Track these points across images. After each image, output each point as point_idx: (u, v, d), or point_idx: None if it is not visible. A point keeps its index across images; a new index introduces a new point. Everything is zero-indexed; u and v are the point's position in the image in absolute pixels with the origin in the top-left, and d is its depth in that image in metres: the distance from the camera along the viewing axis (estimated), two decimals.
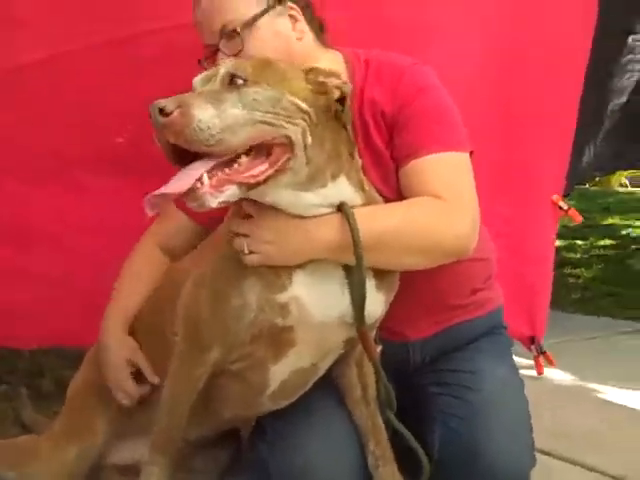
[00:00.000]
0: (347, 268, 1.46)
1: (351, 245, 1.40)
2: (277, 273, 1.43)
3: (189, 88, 1.38)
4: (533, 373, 3.02)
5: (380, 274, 1.52)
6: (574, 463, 2.11)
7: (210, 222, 1.68)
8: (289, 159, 1.32)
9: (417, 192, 1.57)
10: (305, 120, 1.34)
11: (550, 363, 3.03)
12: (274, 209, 1.41)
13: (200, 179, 1.24)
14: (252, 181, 1.28)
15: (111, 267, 1.86)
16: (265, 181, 1.30)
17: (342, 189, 1.43)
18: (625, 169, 8.07)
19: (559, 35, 2.73)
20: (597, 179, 10.51)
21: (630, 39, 3.27)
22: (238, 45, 1.61)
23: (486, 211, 2.72)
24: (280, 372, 1.54)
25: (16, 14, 2.01)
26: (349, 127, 1.46)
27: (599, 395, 2.81)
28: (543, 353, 3.03)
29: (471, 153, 1.68)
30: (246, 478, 1.79)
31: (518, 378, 1.85)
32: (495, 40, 2.59)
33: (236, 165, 1.27)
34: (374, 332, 1.63)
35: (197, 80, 1.39)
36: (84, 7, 2.02)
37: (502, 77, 2.67)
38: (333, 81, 1.41)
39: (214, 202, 1.24)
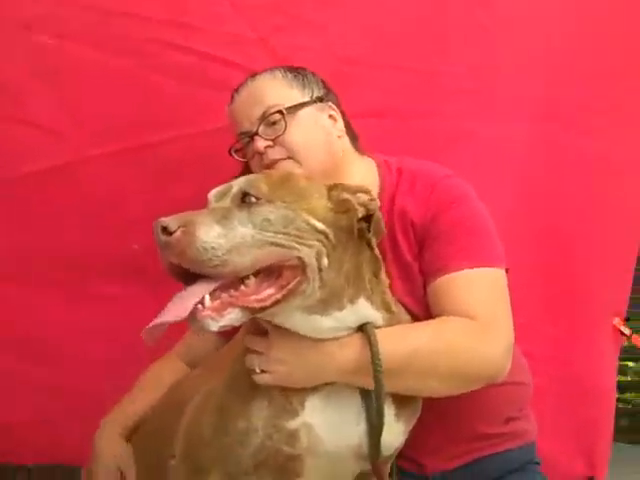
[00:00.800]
0: (365, 393, 1.34)
1: (371, 369, 1.28)
2: (289, 397, 1.32)
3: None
4: None
5: (401, 401, 1.39)
6: None
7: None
8: (300, 282, 1.23)
9: (448, 311, 1.45)
10: (321, 241, 1.26)
11: None
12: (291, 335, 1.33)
13: (202, 301, 1.17)
14: (257, 306, 1.20)
15: (120, 379, 1.77)
16: (272, 305, 1.22)
17: (361, 312, 1.33)
18: None
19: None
20: None
21: None
22: (279, 130, 1.57)
23: (535, 334, 2.66)
24: None
25: (39, 119, 2.01)
26: (375, 245, 1.38)
27: None
28: None
29: (507, 270, 1.56)
30: None
31: None
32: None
33: (242, 287, 1.20)
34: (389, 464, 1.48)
35: (212, 194, 1.34)
36: (104, 113, 2.02)
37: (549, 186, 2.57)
38: (360, 198, 1.33)
39: (215, 326, 1.17)
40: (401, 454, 1.55)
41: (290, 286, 1.22)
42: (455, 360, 1.38)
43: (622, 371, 6.14)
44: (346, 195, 1.32)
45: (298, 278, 1.23)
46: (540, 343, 2.63)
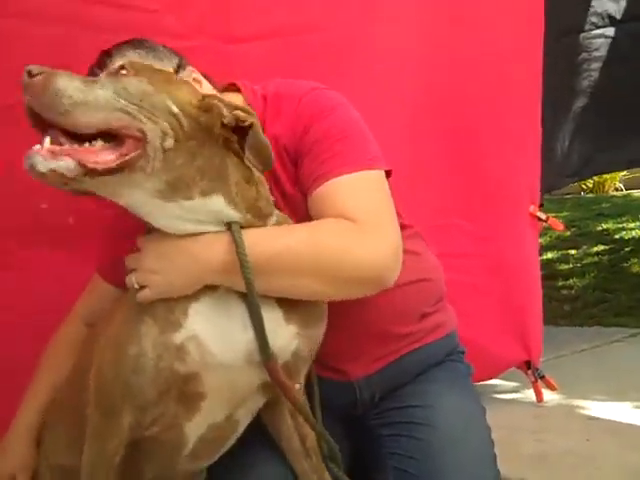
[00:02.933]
0: (246, 298, 1.33)
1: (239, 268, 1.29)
2: (171, 309, 1.31)
3: None
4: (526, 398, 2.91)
5: (288, 304, 1.37)
6: None
7: None
8: (140, 156, 1.23)
9: (327, 217, 1.43)
10: (171, 124, 1.25)
11: (551, 388, 2.84)
12: (160, 237, 1.34)
13: (42, 142, 1.19)
14: (92, 166, 1.20)
15: (37, 343, 1.73)
16: (109, 172, 1.21)
17: (215, 208, 1.32)
18: (597, 174, 7.94)
19: (506, 39, 2.65)
20: (590, 185, 10.59)
21: (581, 37, 3.17)
22: None
23: (455, 232, 2.70)
24: (195, 428, 1.40)
25: None
26: (248, 158, 1.34)
27: (584, 412, 2.65)
28: (542, 377, 2.84)
29: (388, 172, 1.55)
30: None
31: (476, 406, 1.69)
32: (438, 53, 2.50)
33: (86, 144, 1.21)
34: (302, 372, 1.47)
35: None
36: None
37: (450, 90, 2.59)
38: (236, 112, 1.31)
39: (43, 166, 1.17)
40: (323, 364, 1.58)
41: (128, 157, 1.22)
42: (332, 260, 1.36)
43: (565, 260, 6.37)
44: (217, 102, 1.32)
45: (138, 151, 1.22)
46: (462, 241, 2.69)
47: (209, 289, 1.33)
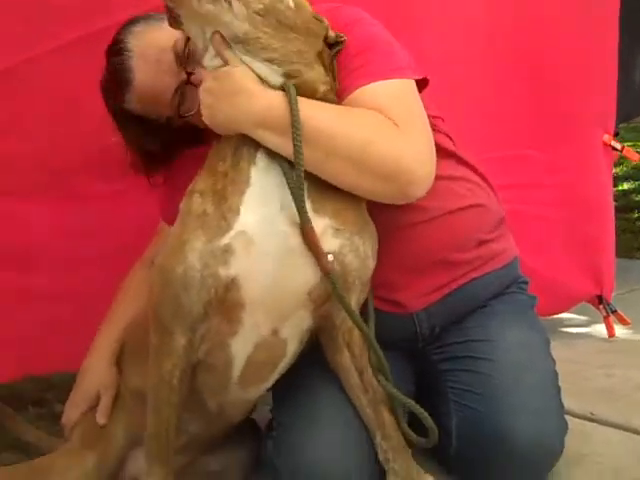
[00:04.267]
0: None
1: (287, 125, 1.32)
2: (222, 212, 1.35)
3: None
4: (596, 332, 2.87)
5: (317, 195, 1.38)
6: (617, 427, 1.89)
7: None
8: None
9: None
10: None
11: (623, 322, 2.79)
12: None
13: None
14: None
15: (117, 274, 1.82)
16: None
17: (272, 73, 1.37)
18: None
19: None
20: None
21: None
22: None
23: (526, 162, 2.64)
24: (242, 345, 1.43)
25: None
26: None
27: None
28: (614, 312, 2.79)
29: (424, 82, 1.54)
30: (260, 477, 1.71)
31: (539, 338, 1.68)
32: None
33: None
34: (352, 290, 1.45)
35: None
36: (48, 4, 1.92)
37: (523, 18, 2.55)
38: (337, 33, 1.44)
39: None
40: (382, 297, 1.58)
41: None
42: (357, 139, 1.36)
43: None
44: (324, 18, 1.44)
45: None
46: (533, 171, 2.65)
47: (253, 168, 1.37)
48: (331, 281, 1.37)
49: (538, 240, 2.53)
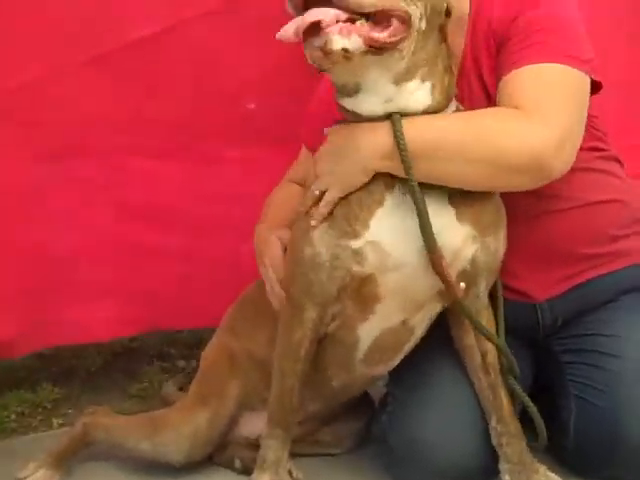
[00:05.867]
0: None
1: (397, 152, 1.31)
2: (350, 221, 1.36)
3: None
4: None
5: (461, 203, 1.37)
6: None
7: None
8: (404, 39, 1.28)
9: (503, 105, 1.39)
10: (424, 7, 1.30)
11: None
12: (338, 129, 1.41)
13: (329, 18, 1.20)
14: (374, 37, 1.23)
15: (245, 239, 1.82)
16: (382, 47, 1.25)
17: (422, 93, 1.35)
18: None
19: None
20: None
21: None
22: None
23: None
24: (369, 330, 1.47)
25: None
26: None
27: None
28: None
29: (599, 85, 1.47)
30: (373, 451, 1.74)
31: None
32: None
33: (358, 24, 1.22)
34: (480, 284, 1.47)
35: None
36: None
37: None
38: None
39: (339, 43, 1.19)
40: (505, 285, 1.56)
41: (399, 36, 1.26)
42: (485, 143, 1.33)
43: None
44: None
45: (403, 34, 1.27)
46: None
47: (389, 192, 1.36)
48: (462, 307, 1.41)
49: None
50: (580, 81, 1.42)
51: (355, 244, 1.36)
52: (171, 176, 2.15)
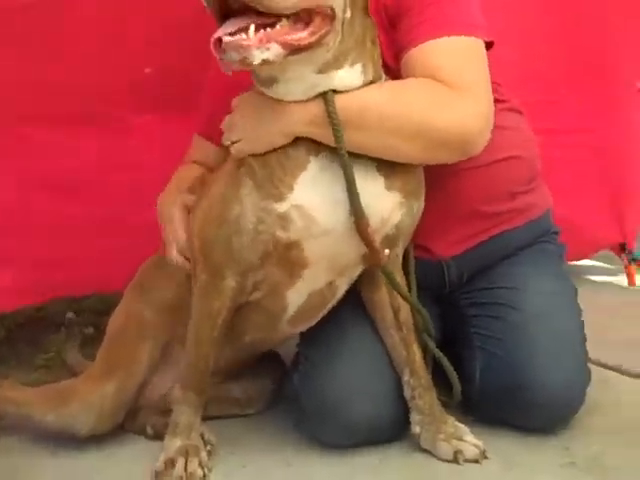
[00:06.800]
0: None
1: (327, 120, 1.30)
2: (275, 182, 1.35)
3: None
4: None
5: (389, 171, 1.38)
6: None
7: None
8: (328, 32, 1.26)
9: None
10: None
11: None
12: (254, 95, 1.39)
13: (246, 30, 1.18)
14: (295, 43, 1.21)
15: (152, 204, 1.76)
16: (306, 47, 1.23)
17: (353, 77, 1.34)
18: None
19: None
20: None
21: None
22: None
23: (561, 107, 2.60)
24: (297, 295, 1.48)
25: None
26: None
27: None
28: (635, 261, 2.82)
29: (490, 44, 1.48)
30: (285, 411, 1.75)
31: (565, 288, 1.67)
32: None
33: (278, 27, 1.20)
34: (399, 246, 1.50)
35: None
36: None
37: None
38: None
39: (259, 57, 1.18)
40: (415, 244, 1.58)
41: (321, 32, 1.24)
42: (415, 118, 1.34)
43: None
44: None
45: (327, 28, 1.25)
46: (567, 117, 2.62)
47: (313, 158, 1.35)
48: (385, 271, 1.43)
49: (566, 184, 2.50)
50: (480, 48, 1.45)
51: (280, 207, 1.34)
52: (79, 144, 2.11)
